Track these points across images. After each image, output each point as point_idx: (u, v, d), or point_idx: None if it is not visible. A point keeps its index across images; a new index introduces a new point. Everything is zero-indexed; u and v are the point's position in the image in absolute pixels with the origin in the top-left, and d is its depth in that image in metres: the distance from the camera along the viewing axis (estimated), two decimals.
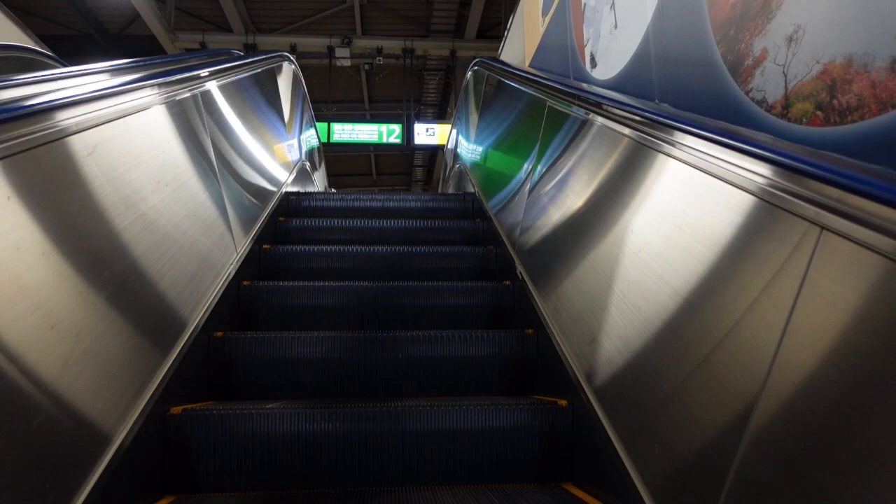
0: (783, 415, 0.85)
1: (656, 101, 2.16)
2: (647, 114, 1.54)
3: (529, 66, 4.36)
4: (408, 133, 12.29)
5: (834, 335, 0.81)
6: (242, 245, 2.54)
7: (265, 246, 2.87)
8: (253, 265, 2.71)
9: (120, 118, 1.60)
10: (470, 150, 4.72)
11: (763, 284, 0.96)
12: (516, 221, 2.61)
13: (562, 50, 3.43)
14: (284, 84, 4.43)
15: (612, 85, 2.58)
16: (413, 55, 12.54)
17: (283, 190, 3.77)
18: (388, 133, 12.29)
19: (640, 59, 2.32)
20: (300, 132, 5.10)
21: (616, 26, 2.61)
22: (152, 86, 1.91)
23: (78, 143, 1.36)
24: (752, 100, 1.61)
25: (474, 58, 4.65)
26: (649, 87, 2.22)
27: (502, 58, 5.55)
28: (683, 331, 1.17)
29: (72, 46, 11.65)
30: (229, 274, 2.26)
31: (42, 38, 11.76)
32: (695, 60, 1.90)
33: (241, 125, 3.01)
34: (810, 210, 0.89)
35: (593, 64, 2.92)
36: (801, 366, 0.84)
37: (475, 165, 4.35)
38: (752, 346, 0.95)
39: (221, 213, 2.33)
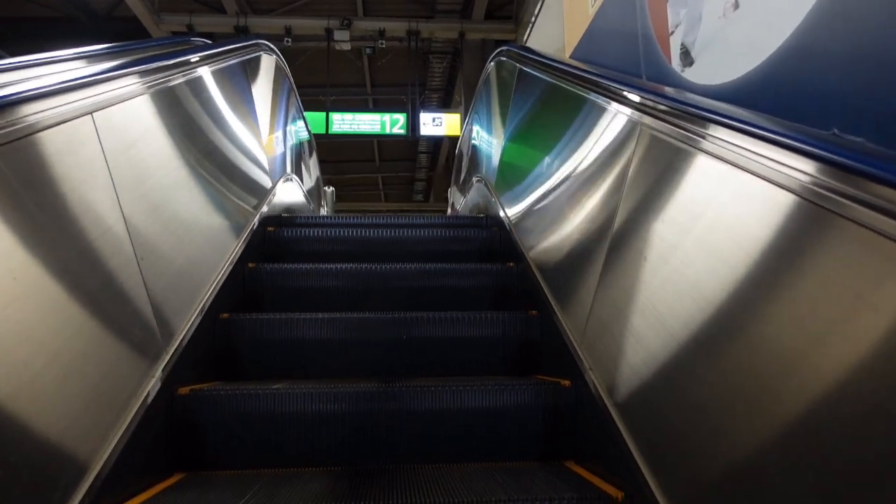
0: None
1: (834, 130, 1.31)
2: None
3: (571, 59, 3.48)
4: (413, 123, 11.26)
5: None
6: (181, 334, 1.70)
7: (183, 390, 1.67)
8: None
9: None
10: (495, 165, 3.68)
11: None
12: (586, 304, 1.77)
13: (627, 38, 2.53)
14: (263, 81, 3.50)
15: (729, 95, 1.71)
16: (418, 38, 11.59)
17: (257, 219, 2.91)
18: (392, 123, 11.28)
19: (794, 58, 1.46)
20: (284, 139, 4.13)
21: (737, 5, 1.74)
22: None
23: None
24: None
25: (483, 41, 3.77)
26: (815, 107, 1.37)
27: (529, 45, 4.64)
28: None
29: (58, 30, 10.83)
30: (153, 388, 1.42)
31: (27, 20, 10.98)
32: None
33: (188, 152, 2.07)
34: None
35: (686, 60, 2.04)
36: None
37: (506, 193, 3.21)
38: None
39: (136, 298, 1.49)
